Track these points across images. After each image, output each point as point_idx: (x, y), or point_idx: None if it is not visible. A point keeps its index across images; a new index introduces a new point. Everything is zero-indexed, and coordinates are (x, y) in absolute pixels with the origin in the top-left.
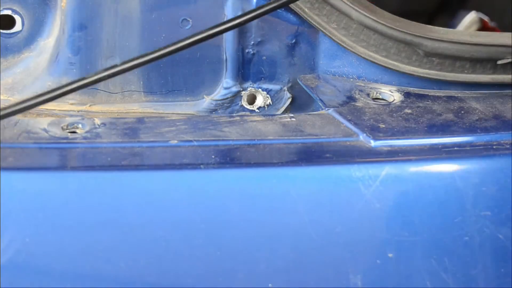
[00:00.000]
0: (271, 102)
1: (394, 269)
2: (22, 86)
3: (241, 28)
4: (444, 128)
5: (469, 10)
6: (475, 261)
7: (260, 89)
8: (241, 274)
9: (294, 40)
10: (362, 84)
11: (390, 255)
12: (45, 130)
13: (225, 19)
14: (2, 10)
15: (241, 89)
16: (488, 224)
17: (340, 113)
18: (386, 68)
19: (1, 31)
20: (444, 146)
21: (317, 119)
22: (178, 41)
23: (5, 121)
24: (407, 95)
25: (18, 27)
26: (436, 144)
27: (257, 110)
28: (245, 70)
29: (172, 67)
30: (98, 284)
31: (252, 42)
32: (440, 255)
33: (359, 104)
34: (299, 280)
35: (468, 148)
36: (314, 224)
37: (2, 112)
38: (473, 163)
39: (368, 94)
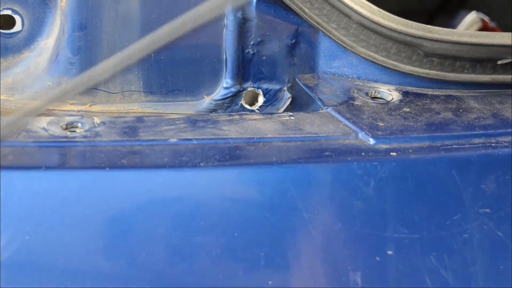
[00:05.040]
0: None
1: (394, 266)
2: (22, 86)
3: (241, 28)
4: (442, 126)
5: (469, 10)
6: (474, 258)
7: (260, 89)
8: (241, 272)
9: (294, 40)
10: (361, 84)
11: (389, 252)
12: (44, 129)
13: (225, 19)
14: (2, 10)
15: (241, 89)
16: (487, 221)
17: (339, 112)
18: (386, 68)
19: (1, 31)
20: (443, 144)
21: (316, 118)
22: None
23: (4, 120)
24: (405, 94)
25: (18, 27)
26: (434, 142)
27: (257, 110)
28: (245, 70)
29: (172, 67)
30: (98, 283)
31: (252, 42)
32: (440, 252)
33: (357, 103)
34: (299, 278)
35: (466, 146)
36: (313, 221)
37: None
38: (472, 160)
39: (366, 93)
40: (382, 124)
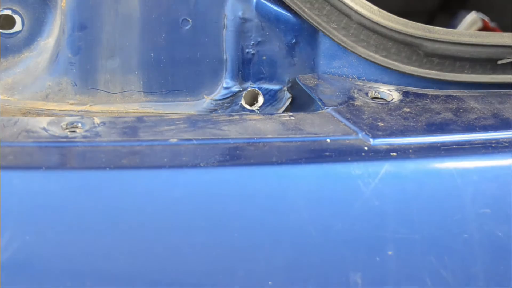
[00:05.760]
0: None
1: (394, 266)
2: (22, 86)
3: (241, 28)
4: (443, 127)
5: (469, 10)
6: (474, 258)
7: (260, 89)
8: (241, 272)
9: (294, 40)
10: (361, 84)
11: (389, 252)
12: (44, 129)
13: (225, 19)
14: (2, 10)
15: (241, 89)
16: (487, 221)
17: (339, 112)
18: (386, 68)
19: (1, 31)
20: (443, 144)
21: (316, 118)
22: None
23: (5, 120)
24: (405, 94)
25: (18, 27)
26: (435, 142)
27: (257, 111)
28: (245, 70)
29: (172, 67)
30: (98, 283)
31: (252, 42)
32: (440, 252)
33: (358, 103)
34: (299, 278)
35: (467, 146)
36: (313, 222)
37: None
38: (472, 161)
39: (366, 93)
40: (382, 124)
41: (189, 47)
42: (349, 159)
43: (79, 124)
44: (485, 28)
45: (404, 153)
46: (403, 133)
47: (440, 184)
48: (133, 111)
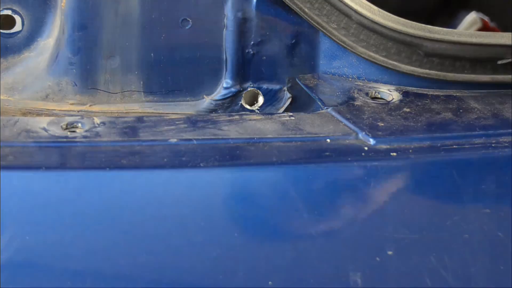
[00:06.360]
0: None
1: (394, 266)
2: (22, 86)
3: (241, 28)
4: (443, 127)
5: (469, 10)
6: (474, 258)
7: (260, 89)
8: (241, 272)
9: (294, 40)
10: (361, 84)
11: (389, 252)
12: (44, 129)
13: (225, 19)
14: (2, 10)
15: (241, 89)
16: (487, 221)
17: (339, 112)
18: (386, 68)
19: (1, 31)
20: (443, 144)
21: (316, 118)
22: None
23: (5, 120)
24: (405, 94)
25: (18, 27)
26: (435, 143)
27: (257, 111)
28: (245, 70)
29: (172, 67)
30: (98, 283)
31: (252, 42)
32: (440, 252)
33: (358, 103)
34: (299, 279)
35: (467, 146)
36: (313, 222)
37: None
38: (472, 161)
39: (367, 93)
40: (382, 124)
41: (189, 47)
42: (349, 159)
43: (79, 124)
44: (485, 28)
45: (404, 153)
46: (403, 133)
47: (440, 184)
48: (133, 111)
